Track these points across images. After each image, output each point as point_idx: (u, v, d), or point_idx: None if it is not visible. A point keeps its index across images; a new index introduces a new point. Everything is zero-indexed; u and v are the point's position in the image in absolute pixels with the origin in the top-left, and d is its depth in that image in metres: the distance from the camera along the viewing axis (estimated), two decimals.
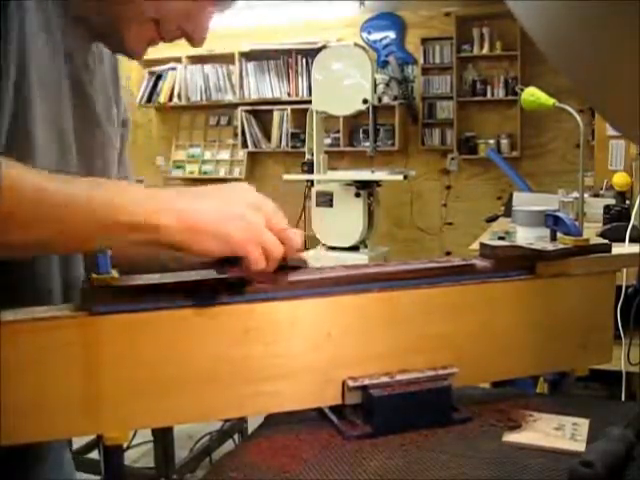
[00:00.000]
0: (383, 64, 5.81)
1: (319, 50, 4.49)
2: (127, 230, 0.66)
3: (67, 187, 0.66)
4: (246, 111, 6.20)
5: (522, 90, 2.20)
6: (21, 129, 0.75)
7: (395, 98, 5.69)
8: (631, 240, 1.94)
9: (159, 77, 6.45)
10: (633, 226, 1.99)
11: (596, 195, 3.38)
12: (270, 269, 0.72)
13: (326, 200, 4.12)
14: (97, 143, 0.89)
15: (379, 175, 4.22)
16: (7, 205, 0.62)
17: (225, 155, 6.52)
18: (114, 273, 0.70)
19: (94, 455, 2.64)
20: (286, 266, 0.76)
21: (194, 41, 0.84)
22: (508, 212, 3.23)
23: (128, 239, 0.67)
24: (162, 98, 6.45)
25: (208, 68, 6.31)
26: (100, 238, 0.67)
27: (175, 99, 6.43)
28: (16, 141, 0.74)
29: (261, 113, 6.23)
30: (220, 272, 0.72)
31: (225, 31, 6.07)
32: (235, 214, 0.70)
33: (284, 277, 0.76)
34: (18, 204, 0.63)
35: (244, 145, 6.25)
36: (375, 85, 4.30)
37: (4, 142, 0.73)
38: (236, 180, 6.31)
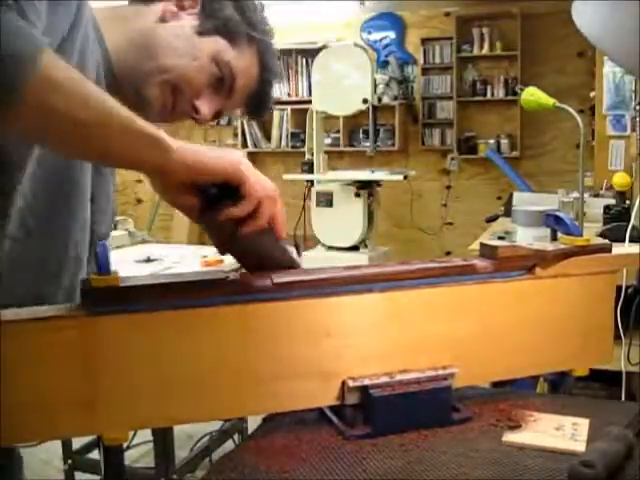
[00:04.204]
0: (383, 64, 5.81)
1: (319, 50, 4.49)
2: (147, 141, 0.73)
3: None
4: None
5: (522, 90, 2.19)
6: None
7: (395, 98, 5.69)
8: (631, 240, 1.93)
9: None
10: (633, 226, 1.99)
11: (596, 195, 3.37)
12: (261, 224, 0.77)
13: (326, 200, 4.11)
14: None
15: (379, 175, 4.22)
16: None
17: None
18: (114, 273, 0.70)
19: (94, 455, 2.64)
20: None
21: (200, 117, 0.92)
22: (508, 212, 3.23)
23: (144, 153, 0.73)
24: None
25: None
26: (123, 143, 0.71)
27: None
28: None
29: None
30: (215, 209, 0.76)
31: None
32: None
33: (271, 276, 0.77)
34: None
35: (244, 145, 6.24)
36: (375, 85, 4.30)
37: None
38: None
